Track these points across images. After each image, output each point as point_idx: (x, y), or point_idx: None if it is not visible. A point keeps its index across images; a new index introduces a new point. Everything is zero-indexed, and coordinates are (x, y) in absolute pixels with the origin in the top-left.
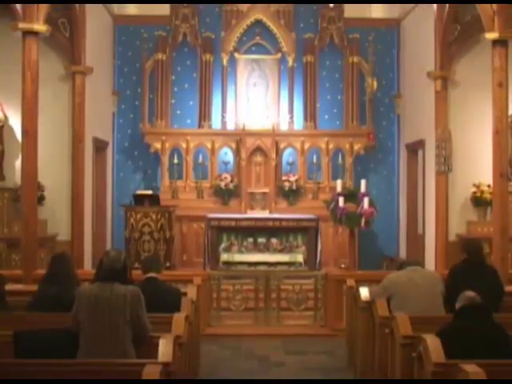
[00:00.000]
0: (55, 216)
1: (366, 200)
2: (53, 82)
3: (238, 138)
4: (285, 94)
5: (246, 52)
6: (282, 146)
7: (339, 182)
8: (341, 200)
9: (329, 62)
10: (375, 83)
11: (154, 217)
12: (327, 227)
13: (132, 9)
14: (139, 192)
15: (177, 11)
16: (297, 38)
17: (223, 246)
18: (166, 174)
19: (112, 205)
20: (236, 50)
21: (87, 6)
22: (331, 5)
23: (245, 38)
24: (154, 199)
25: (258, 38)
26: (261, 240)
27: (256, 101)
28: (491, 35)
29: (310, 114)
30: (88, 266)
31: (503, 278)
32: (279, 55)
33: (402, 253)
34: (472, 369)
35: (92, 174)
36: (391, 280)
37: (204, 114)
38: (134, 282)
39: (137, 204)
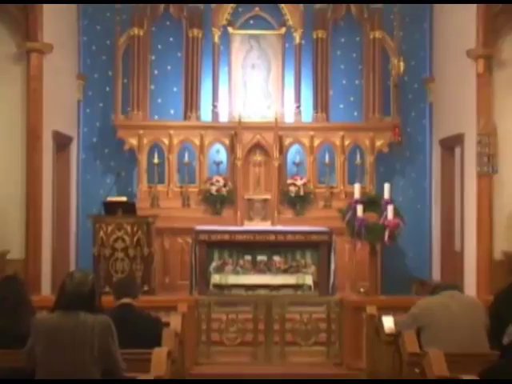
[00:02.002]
0: (5, 229)
1: (390, 209)
2: (1, 62)
3: (233, 132)
4: (290, 78)
5: (243, 26)
6: (286, 142)
7: (357, 187)
8: (359, 209)
9: (344, 38)
10: (402, 64)
11: (128, 229)
12: (342, 242)
13: None
14: (110, 199)
15: None
16: (305, 9)
17: (214, 265)
18: (144, 177)
19: (77, 215)
20: (230, 23)
21: None
22: None
23: (241, 9)
24: (128, 208)
25: (257, 8)
26: (261, 258)
27: (255, 87)
28: None
29: (322, 103)
30: (46, 291)
31: None
32: (283, 30)
33: (436, 274)
34: None
35: (52, 176)
36: (422, 308)
37: (191, 103)
38: (103, 310)
39: (108, 214)
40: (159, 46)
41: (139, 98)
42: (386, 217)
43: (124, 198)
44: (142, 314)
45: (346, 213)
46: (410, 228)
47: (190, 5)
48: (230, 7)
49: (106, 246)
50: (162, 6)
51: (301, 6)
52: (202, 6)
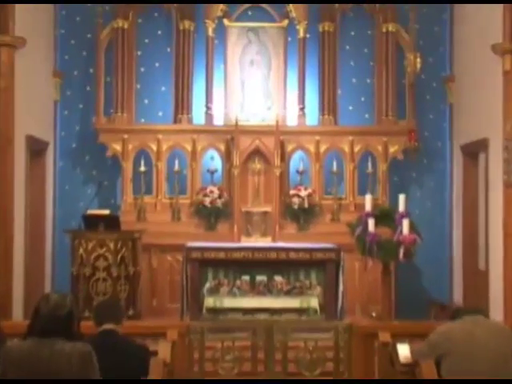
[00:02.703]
0: None
1: (405, 223)
2: None
3: (229, 136)
4: (293, 76)
5: (240, 18)
6: (289, 147)
7: (369, 198)
8: (371, 223)
9: (354, 31)
10: (419, 61)
11: (111, 246)
12: (352, 260)
13: None
14: (91, 212)
15: None
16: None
17: (208, 286)
18: (129, 187)
19: (53, 230)
20: (226, 14)
21: None
22: None
23: None
24: (112, 222)
25: None
26: (260, 278)
27: (254, 86)
28: None
29: (329, 104)
30: (18, 316)
31: None
32: (286, 22)
33: (457, 296)
34: None
35: (25, 186)
36: (442, 334)
37: (181, 104)
38: (83, 336)
39: (88, 228)
40: (146, 41)
41: (124, 98)
42: (401, 232)
43: (107, 211)
44: (127, 342)
45: (356, 227)
46: (427, 244)
47: None
48: None
49: (86, 265)
50: None
51: None
52: None
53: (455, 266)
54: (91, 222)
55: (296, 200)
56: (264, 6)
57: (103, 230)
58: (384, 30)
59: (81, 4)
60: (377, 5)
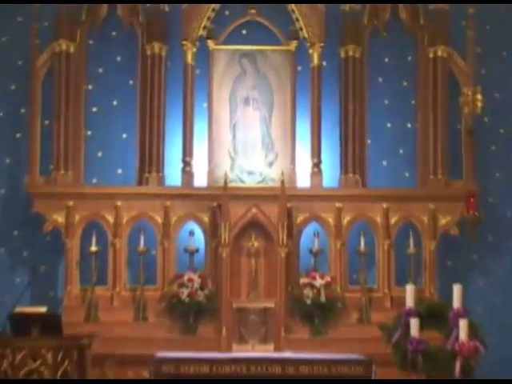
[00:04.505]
0: None
1: (463, 325)
2: None
3: (215, 203)
4: (304, 119)
5: (231, 39)
6: (299, 218)
7: (410, 290)
8: (414, 324)
9: (389, 57)
10: (480, 98)
11: (49, 358)
12: (388, 377)
13: None
14: (21, 309)
15: None
16: (328, 12)
17: None
18: (75, 275)
19: None
20: (211, 34)
21: None
22: None
23: (228, 12)
24: (50, 323)
25: (253, 11)
26: None
27: (249, 133)
28: None
29: (354, 159)
30: None
31: None
32: (294, 45)
33: None
34: None
35: None
36: None
37: (149, 159)
38: None
39: (16, 332)
40: (100, 70)
41: (68, 150)
42: (457, 338)
43: (43, 309)
44: None
45: (394, 331)
46: (495, 355)
47: (148, 6)
48: (210, 9)
49: None
50: (104, 7)
51: (321, 6)
52: (166, 6)
53: None
54: (21, 323)
55: (309, 292)
56: (263, 21)
57: (38, 335)
58: (431, 55)
59: (9, 18)
60: (421, 20)
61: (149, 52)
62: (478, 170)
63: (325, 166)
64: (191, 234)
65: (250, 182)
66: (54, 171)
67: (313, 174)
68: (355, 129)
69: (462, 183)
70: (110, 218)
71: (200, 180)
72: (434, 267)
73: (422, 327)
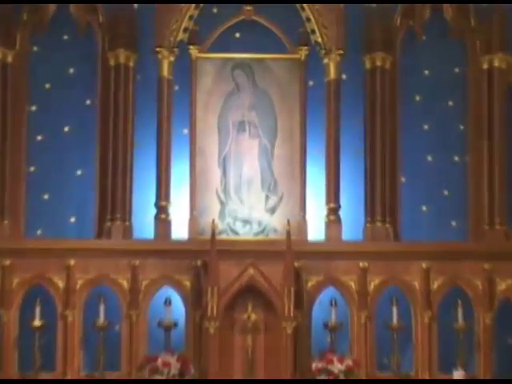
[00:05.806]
0: None
1: None
2: None
3: (199, 262)
4: (317, 149)
5: (220, 45)
6: (311, 281)
7: (459, 376)
8: None
9: (429, 68)
10: None
11: None
12: None
13: None
14: None
15: None
16: (349, 9)
17: None
18: (13, 357)
19: None
20: (194, 38)
21: None
22: None
23: (216, 10)
24: None
25: (248, 8)
26: None
27: (245, 168)
28: None
29: (383, 203)
30: None
31: None
32: (304, 52)
33: None
34: None
35: None
36: None
37: (112, 203)
38: None
39: None
40: (47, 85)
41: (4, 192)
42: None
43: None
44: None
45: None
46: None
47: (111, 5)
48: (192, 5)
49: None
50: (53, 7)
51: (341, 5)
52: (136, 5)
53: None
54: None
55: (325, 378)
56: (262, 21)
57: None
58: (485, 65)
59: None
60: (471, 21)
61: (112, 62)
62: None
63: (344, 213)
64: (167, 302)
65: (246, 233)
66: None
67: (328, 224)
68: (385, 163)
69: None
70: (60, 282)
71: (179, 231)
72: (490, 346)
73: None
